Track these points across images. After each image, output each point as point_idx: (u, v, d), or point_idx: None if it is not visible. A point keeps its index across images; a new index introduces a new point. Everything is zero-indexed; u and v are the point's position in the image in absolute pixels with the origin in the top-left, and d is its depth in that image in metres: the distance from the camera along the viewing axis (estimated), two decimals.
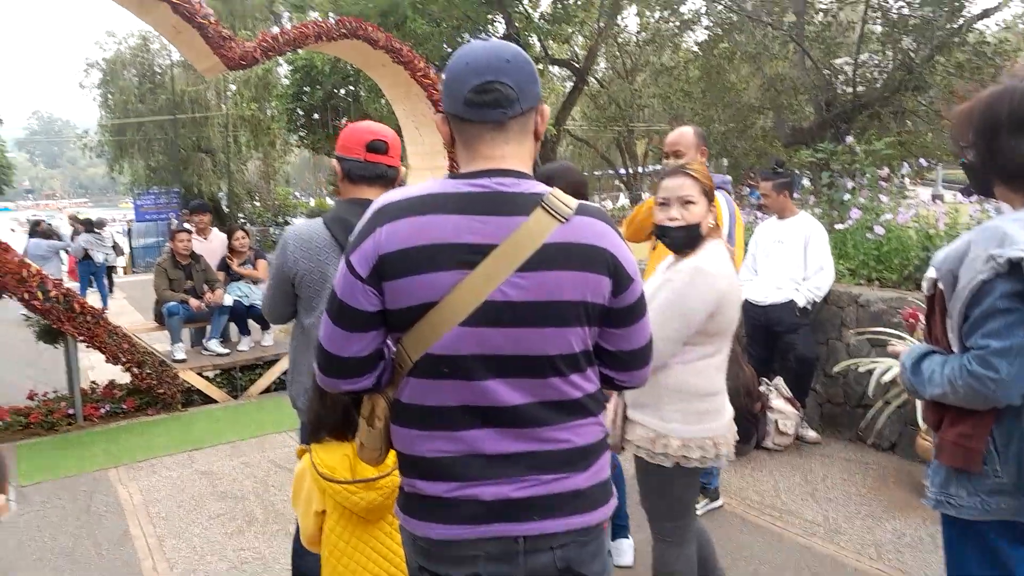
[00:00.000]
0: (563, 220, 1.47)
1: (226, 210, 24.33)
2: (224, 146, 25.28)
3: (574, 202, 1.51)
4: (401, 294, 1.46)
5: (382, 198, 1.53)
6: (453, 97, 1.50)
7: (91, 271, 12.79)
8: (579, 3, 14.26)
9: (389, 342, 1.57)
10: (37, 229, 13.01)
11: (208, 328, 7.18)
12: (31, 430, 6.01)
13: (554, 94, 20.38)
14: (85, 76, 26.40)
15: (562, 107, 16.99)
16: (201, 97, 25.19)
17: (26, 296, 5.71)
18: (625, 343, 1.58)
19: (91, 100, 27.97)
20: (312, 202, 28.04)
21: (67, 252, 13.30)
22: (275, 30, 8.26)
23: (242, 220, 22.67)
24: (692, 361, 2.38)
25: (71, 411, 6.19)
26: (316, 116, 19.04)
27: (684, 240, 2.42)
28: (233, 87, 23.96)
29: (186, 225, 9.91)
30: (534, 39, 15.09)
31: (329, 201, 26.52)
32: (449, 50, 14.82)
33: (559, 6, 14.50)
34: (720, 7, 11.37)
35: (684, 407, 2.39)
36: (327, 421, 2.14)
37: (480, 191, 1.48)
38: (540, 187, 1.51)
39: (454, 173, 1.55)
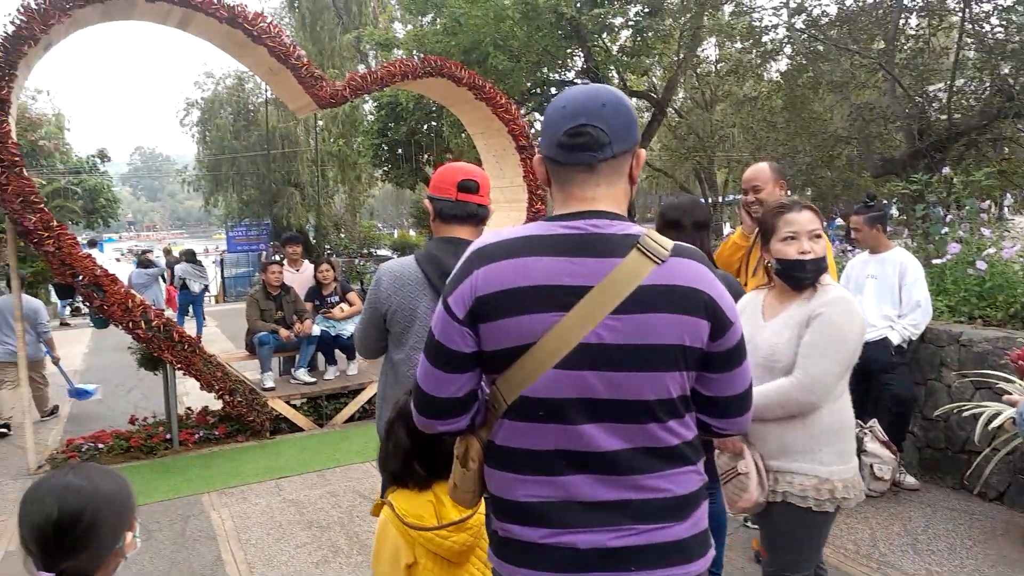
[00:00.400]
0: (659, 261, 1.46)
1: (313, 242, 25.17)
2: (312, 180, 26.25)
3: (669, 243, 1.49)
4: (497, 336, 1.47)
5: (479, 241, 1.55)
6: (549, 139, 1.52)
7: (189, 300, 13.39)
8: (658, 35, 14.26)
9: (483, 384, 1.57)
10: (142, 259, 13.76)
11: (296, 357, 7.38)
12: (131, 454, 6.28)
13: None
14: (185, 114, 27.84)
15: (641, 138, 16.92)
16: (291, 133, 26.27)
17: (130, 325, 6.00)
18: (724, 389, 1.54)
19: (190, 137, 29.57)
20: (396, 233, 28.70)
21: (163, 279, 14.03)
22: (362, 68, 8.55)
23: (328, 252, 23.40)
24: (840, 396, 2.36)
25: (168, 436, 6.44)
26: (400, 151, 19.56)
27: (816, 274, 2.39)
28: (321, 123, 24.88)
29: (275, 257, 10.30)
30: (613, 72, 15.14)
31: (412, 233, 27.10)
32: (528, 84, 15.01)
33: (638, 39, 14.53)
34: (804, 36, 11.16)
35: (839, 447, 2.35)
36: (388, 465, 2.14)
37: (574, 233, 1.48)
38: (635, 228, 1.50)
39: (549, 216, 1.55)
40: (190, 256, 13.79)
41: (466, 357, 1.50)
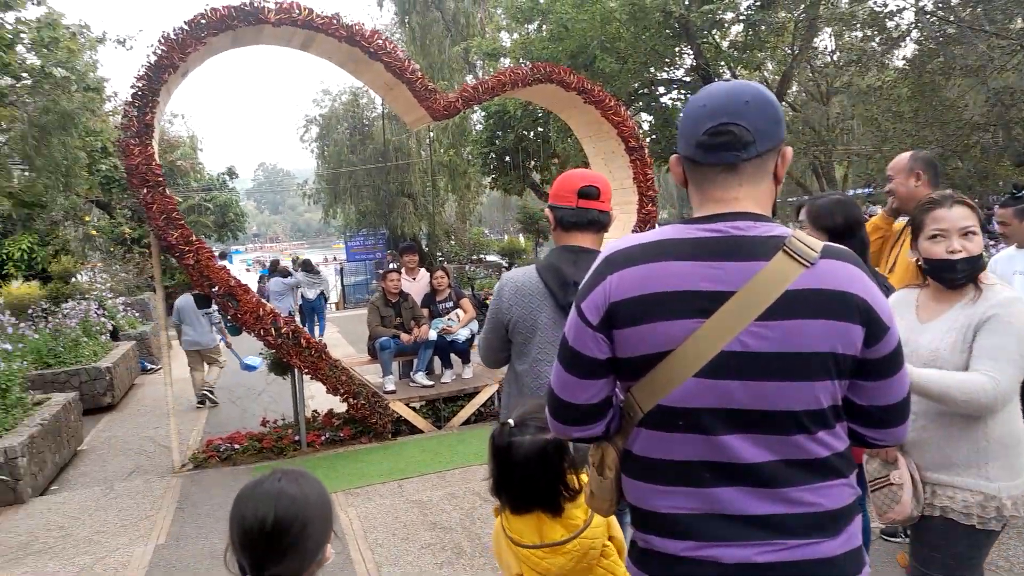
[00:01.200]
0: (808, 264, 1.37)
1: (426, 249, 25.86)
2: (424, 190, 26.96)
3: (819, 244, 1.41)
4: (632, 342, 1.43)
5: (612, 245, 1.51)
6: (687, 139, 1.46)
7: (310, 307, 14.19)
8: (771, 29, 13.75)
9: (618, 390, 1.54)
10: (277, 269, 14.98)
11: (415, 361, 7.56)
12: (263, 454, 6.61)
13: None
14: (304, 131, 29.23)
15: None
16: (404, 146, 27.12)
17: (261, 332, 6.32)
18: (880, 398, 1.43)
19: (309, 152, 30.63)
20: (505, 238, 29.01)
21: (297, 288, 15.02)
22: (471, 79, 8.68)
23: (440, 259, 23.98)
24: (1014, 402, 2.16)
25: (297, 438, 6.74)
26: (507, 158, 19.77)
27: (970, 273, 2.20)
28: (432, 134, 25.51)
29: (393, 265, 10.66)
30: (724, 68, 14.72)
31: (520, 239, 27.30)
32: (636, 85, 14.81)
33: (750, 33, 14.06)
34: (934, 20, 10.46)
35: (1009, 461, 2.15)
36: (498, 484, 2.07)
37: (715, 236, 1.42)
38: (780, 229, 1.42)
39: (686, 218, 1.50)
40: (306, 265, 14.76)
41: (600, 363, 1.47)
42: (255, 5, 6.22)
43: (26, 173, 11.04)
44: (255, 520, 1.51)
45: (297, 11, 6.36)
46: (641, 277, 1.42)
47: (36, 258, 14.92)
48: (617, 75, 13.31)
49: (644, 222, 7.98)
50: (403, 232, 26.55)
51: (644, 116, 16.09)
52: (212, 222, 26.16)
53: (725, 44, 14.63)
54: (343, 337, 14.69)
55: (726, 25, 14.32)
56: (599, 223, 2.56)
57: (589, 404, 1.50)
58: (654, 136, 15.14)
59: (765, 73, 17.55)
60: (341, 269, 25.25)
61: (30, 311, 10.35)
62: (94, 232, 17.50)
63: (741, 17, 14.02)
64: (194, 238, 6.15)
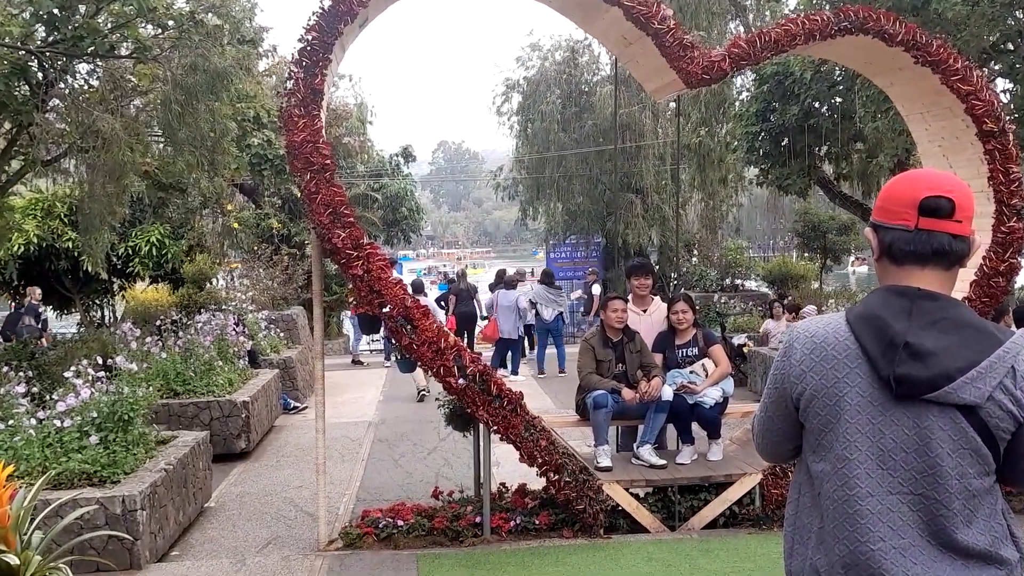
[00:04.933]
0: None
1: (656, 267, 25.66)
2: (659, 184, 26.65)
3: None
4: None
5: None
6: None
7: (544, 328, 16.18)
8: None
9: None
10: (503, 279, 16.67)
11: (640, 429, 7.51)
12: (433, 537, 6.86)
13: None
14: (503, 100, 30.08)
15: None
16: (635, 122, 26.98)
17: (441, 371, 6.57)
18: None
19: (507, 129, 31.34)
20: (773, 258, 28.09)
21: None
22: (735, 28, 8.50)
23: (677, 283, 23.54)
24: None
25: (478, 519, 6.93)
26: (785, 141, 19.19)
27: None
28: (673, 105, 25.37)
29: (595, 286, 10.72)
30: None
31: (797, 259, 26.35)
32: (995, 37, 13.88)
33: None
34: None
35: None
36: None
37: None
38: None
39: None
40: (546, 277, 16.98)
41: None
42: None
43: (166, 148, 11.93)
44: None
45: None
46: None
47: (166, 254, 16.54)
48: (964, 22, 12.58)
49: (1003, 245, 7.42)
50: (625, 242, 26.56)
51: (1004, 84, 15.03)
52: (380, 218, 27.73)
53: None
54: (539, 385, 14.98)
55: None
56: (952, 254, 2.37)
57: None
58: (1020, 115, 14.09)
59: None
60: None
61: (158, 322, 11.53)
62: (236, 225, 18.97)
63: None
64: (365, 241, 6.52)
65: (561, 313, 16.81)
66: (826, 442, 2.42)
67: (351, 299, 8.97)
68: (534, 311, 16.10)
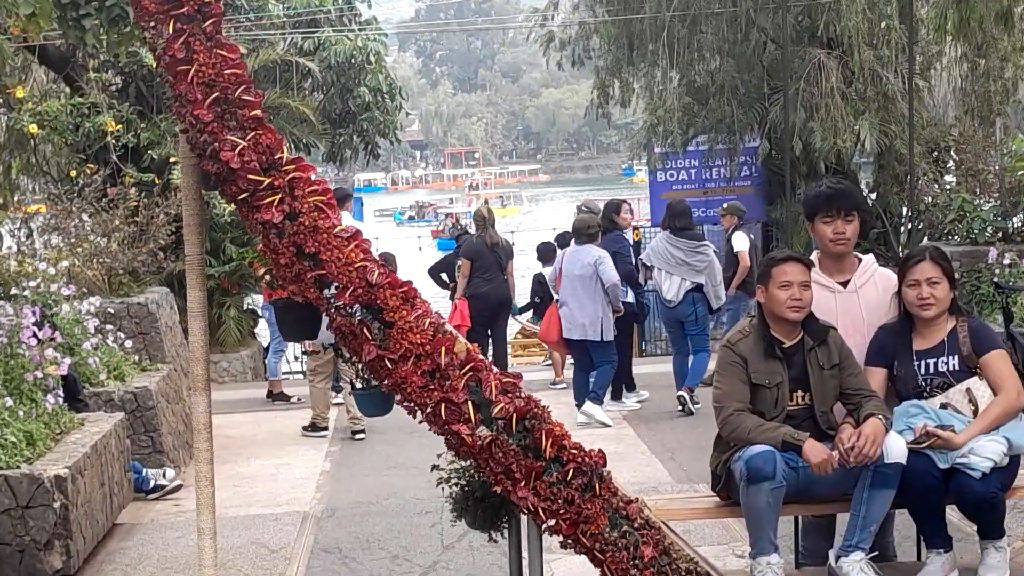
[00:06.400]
0: None
1: (872, 201, 16.34)
2: (871, 31, 13.81)
3: None
4: None
5: None
6: None
7: (676, 319, 10.43)
8: None
9: None
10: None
11: (855, 523, 4.91)
12: None
13: None
14: None
15: None
16: None
17: (442, 412, 4.28)
18: None
19: None
20: None
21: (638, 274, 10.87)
22: None
23: (906, 225, 15.39)
24: None
25: None
26: None
27: None
28: None
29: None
30: None
31: None
32: None
33: None
34: None
35: None
36: None
37: None
38: None
39: None
40: (675, 217, 10.37)
41: None
42: None
43: None
44: None
45: None
46: None
47: None
48: None
49: None
50: (808, 147, 15.39)
51: None
52: (318, 109, 19.46)
53: None
54: (641, 433, 9.94)
55: None
56: None
57: None
58: None
59: None
60: (636, 244, 15.31)
61: None
62: (34, 129, 13.30)
63: None
64: (285, 155, 4.21)
65: (700, 287, 10.11)
66: None
67: (262, 273, 5.17)
68: (646, 283, 10.28)
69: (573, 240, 10.39)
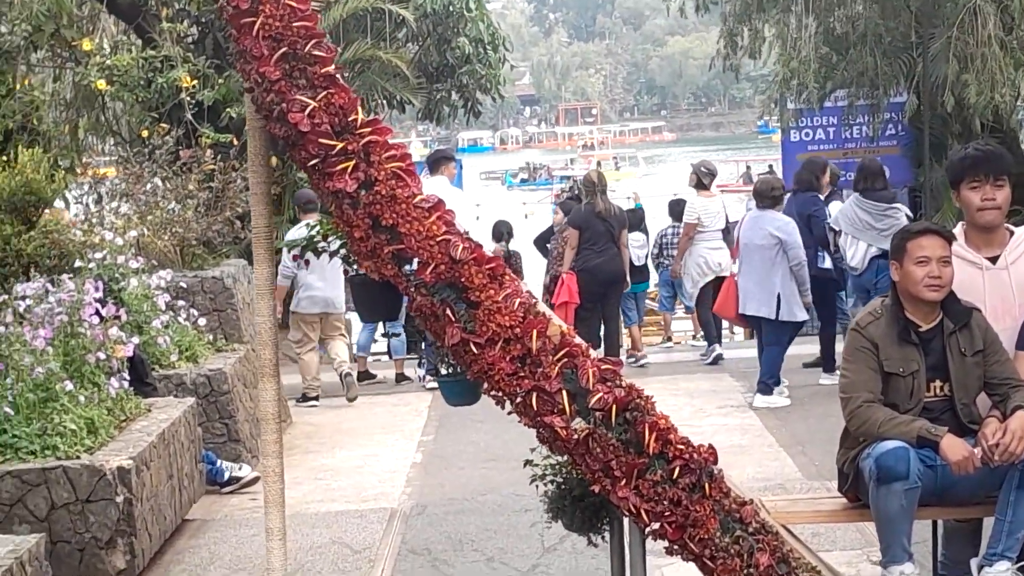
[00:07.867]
0: None
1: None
2: None
3: None
4: None
5: None
6: None
7: (863, 286, 9.85)
8: None
9: None
10: (766, 190, 10.06)
11: (985, 526, 4.75)
12: None
13: None
14: None
15: None
16: None
17: (534, 402, 4.11)
18: None
19: None
20: None
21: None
22: None
23: None
24: None
25: None
26: None
27: None
28: None
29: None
30: None
31: None
32: None
33: None
34: None
35: None
36: None
37: None
38: None
39: None
40: (868, 178, 9.86)
41: None
42: None
43: None
44: None
45: None
46: None
47: None
48: None
49: None
50: (960, 102, 14.44)
51: None
52: (412, 63, 16.04)
53: None
54: (769, 422, 9.34)
55: None
56: None
57: None
58: None
59: None
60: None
61: None
62: (102, 85, 12.50)
63: None
64: (360, 116, 3.98)
65: (886, 254, 9.57)
66: None
67: (336, 248, 4.93)
68: (832, 250, 9.38)
69: (761, 201, 9.68)
